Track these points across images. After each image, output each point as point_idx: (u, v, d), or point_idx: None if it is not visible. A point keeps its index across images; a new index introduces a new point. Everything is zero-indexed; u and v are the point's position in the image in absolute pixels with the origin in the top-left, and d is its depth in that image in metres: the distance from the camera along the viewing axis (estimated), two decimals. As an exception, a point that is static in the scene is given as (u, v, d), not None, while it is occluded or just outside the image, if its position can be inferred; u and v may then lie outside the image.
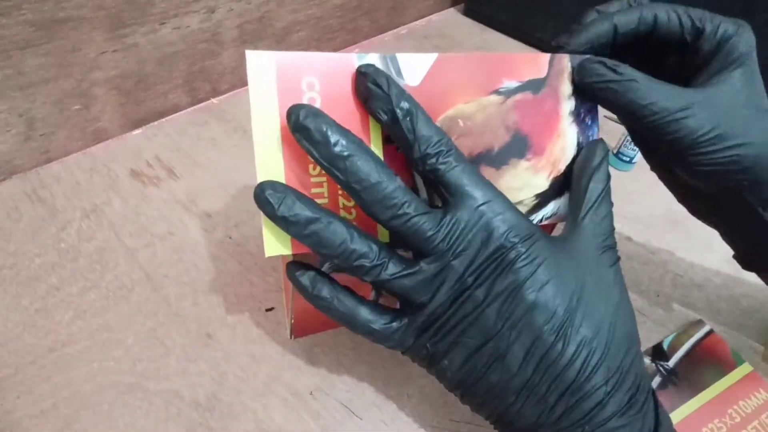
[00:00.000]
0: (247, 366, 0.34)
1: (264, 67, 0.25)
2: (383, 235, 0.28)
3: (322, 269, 0.29)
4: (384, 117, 0.25)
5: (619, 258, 0.28)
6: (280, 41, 0.58)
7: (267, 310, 0.37)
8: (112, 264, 0.39)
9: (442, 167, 0.24)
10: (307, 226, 0.24)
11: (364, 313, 0.26)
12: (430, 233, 0.24)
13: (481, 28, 0.75)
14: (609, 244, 0.27)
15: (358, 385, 0.34)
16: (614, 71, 0.28)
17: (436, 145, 0.24)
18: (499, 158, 0.30)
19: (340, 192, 0.27)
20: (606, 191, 0.28)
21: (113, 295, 0.37)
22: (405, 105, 0.24)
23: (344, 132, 0.24)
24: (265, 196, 0.24)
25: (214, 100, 0.56)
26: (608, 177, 0.29)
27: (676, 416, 0.35)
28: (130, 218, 0.43)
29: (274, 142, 0.26)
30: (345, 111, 0.26)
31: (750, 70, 0.29)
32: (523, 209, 0.31)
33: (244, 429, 0.31)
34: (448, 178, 0.25)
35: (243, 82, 0.58)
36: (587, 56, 0.31)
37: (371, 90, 0.25)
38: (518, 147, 0.30)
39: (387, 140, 0.27)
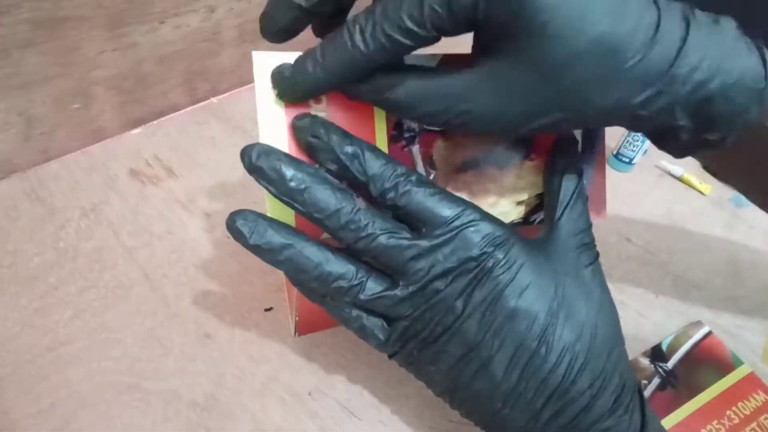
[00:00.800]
0: (246, 366, 0.34)
1: (270, 68, 0.25)
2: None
3: None
4: (333, 166, 0.24)
5: (598, 255, 0.28)
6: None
7: (266, 310, 0.37)
8: (110, 263, 0.39)
9: (402, 199, 0.24)
10: (281, 252, 0.24)
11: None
12: (401, 252, 0.24)
13: (482, 28, 0.75)
14: (586, 243, 0.27)
15: (357, 386, 0.34)
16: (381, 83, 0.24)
17: (390, 179, 0.24)
18: (503, 158, 0.30)
19: None
20: (579, 188, 0.28)
21: (112, 294, 0.37)
22: (348, 149, 0.24)
23: (298, 164, 0.24)
24: (236, 227, 0.24)
25: (213, 100, 0.56)
26: (581, 174, 0.28)
27: (675, 418, 0.35)
28: (129, 217, 0.43)
29: (281, 144, 0.26)
30: (351, 111, 0.26)
31: None
32: (525, 209, 0.31)
33: (242, 429, 0.31)
34: (412, 206, 0.24)
35: (243, 82, 0.57)
36: None
37: (311, 143, 0.24)
38: (523, 146, 0.30)
39: (392, 139, 0.27)
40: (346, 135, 0.24)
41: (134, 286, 0.38)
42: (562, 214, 0.27)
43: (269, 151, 0.24)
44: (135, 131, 0.51)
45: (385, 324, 0.26)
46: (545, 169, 0.30)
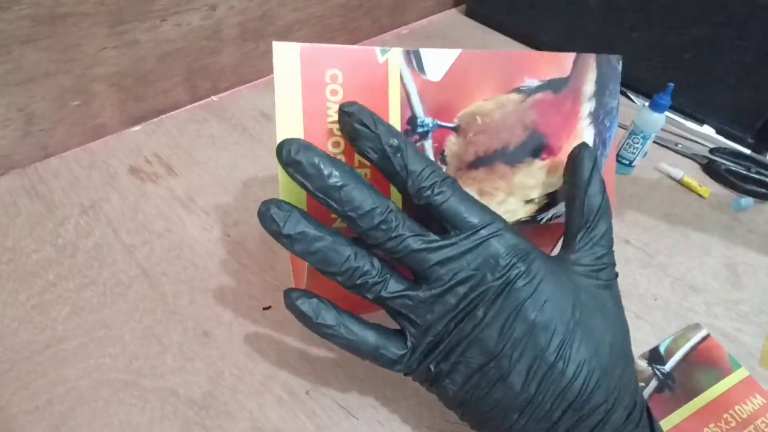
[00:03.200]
0: (244, 365, 0.34)
1: (289, 58, 0.26)
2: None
3: None
4: (374, 156, 0.25)
5: (616, 275, 0.28)
6: (281, 39, 0.57)
7: (264, 308, 0.37)
8: (109, 261, 0.39)
9: (437, 198, 0.24)
10: (312, 244, 0.24)
11: (372, 338, 0.26)
12: (427, 255, 0.24)
13: (483, 29, 0.75)
14: (606, 262, 0.27)
15: (355, 385, 0.34)
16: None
17: (428, 177, 0.24)
18: (515, 156, 0.30)
19: None
20: (603, 206, 0.28)
21: (110, 291, 0.37)
22: (394, 142, 0.24)
23: (336, 162, 0.24)
24: (270, 215, 0.24)
25: (214, 98, 0.56)
26: (603, 189, 0.28)
27: (672, 420, 0.35)
28: (128, 215, 0.42)
29: (297, 132, 0.26)
30: (367, 104, 0.26)
31: None
32: (534, 207, 0.31)
33: (239, 428, 0.31)
34: (444, 208, 0.25)
35: (243, 80, 0.57)
36: (615, 55, 0.31)
37: (358, 130, 0.24)
38: (534, 146, 0.30)
39: (405, 134, 0.28)
40: (392, 128, 0.25)
41: (133, 284, 0.38)
42: (583, 234, 0.27)
43: (308, 147, 0.24)
44: (135, 129, 0.51)
45: (400, 347, 0.26)
46: (564, 180, 0.30)
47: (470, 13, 0.77)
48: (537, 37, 0.70)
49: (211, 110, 0.54)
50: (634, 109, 0.62)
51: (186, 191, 0.45)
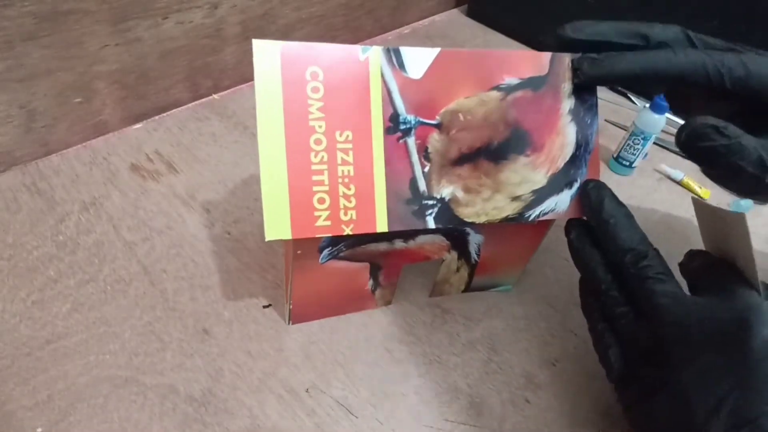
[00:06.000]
0: (243, 362, 0.34)
1: (270, 55, 0.26)
2: (381, 224, 0.28)
3: (324, 254, 0.30)
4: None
5: None
6: (283, 38, 0.57)
7: (264, 307, 0.38)
8: (110, 257, 0.39)
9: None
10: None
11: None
12: (661, 299, 0.29)
13: (484, 29, 0.75)
14: None
15: (354, 384, 0.34)
16: (723, 135, 0.27)
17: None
18: (499, 153, 0.30)
19: (340, 181, 0.27)
20: None
21: (111, 288, 0.37)
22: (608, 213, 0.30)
23: (618, 203, 0.30)
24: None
25: (215, 96, 0.56)
26: None
27: (670, 421, 0.35)
28: (129, 212, 0.43)
29: (278, 128, 0.26)
30: (347, 101, 0.27)
31: None
32: (521, 205, 0.31)
33: (238, 425, 0.31)
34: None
35: (245, 79, 0.58)
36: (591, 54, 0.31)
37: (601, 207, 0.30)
38: (518, 143, 0.30)
39: (388, 131, 0.28)
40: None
41: (133, 281, 0.38)
42: None
43: (602, 186, 0.31)
44: (136, 126, 0.51)
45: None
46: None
47: (471, 13, 0.77)
48: (537, 37, 0.70)
49: (212, 108, 0.54)
50: (635, 110, 0.62)
51: (187, 189, 0.45)
